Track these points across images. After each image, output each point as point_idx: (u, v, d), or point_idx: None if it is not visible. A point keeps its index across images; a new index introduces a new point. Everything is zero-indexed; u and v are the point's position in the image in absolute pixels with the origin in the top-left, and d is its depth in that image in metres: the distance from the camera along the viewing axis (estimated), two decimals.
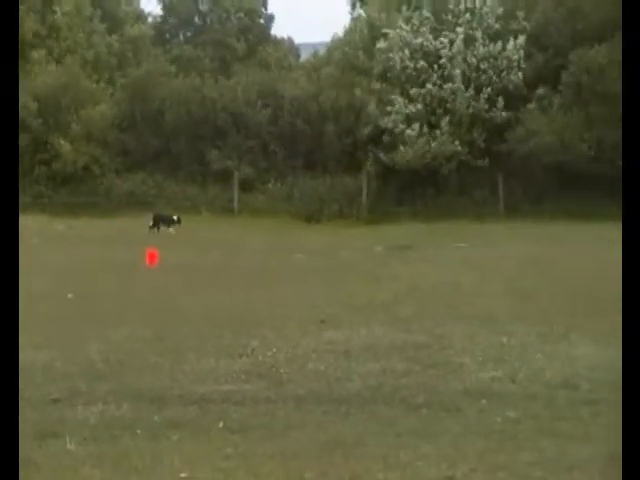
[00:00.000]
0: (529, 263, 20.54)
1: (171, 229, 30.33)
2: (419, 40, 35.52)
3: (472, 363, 10.05)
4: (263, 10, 56.59)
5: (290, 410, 8.28)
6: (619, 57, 32.76)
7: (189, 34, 54.90)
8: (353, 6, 45.72)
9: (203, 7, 54.73)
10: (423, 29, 35.77)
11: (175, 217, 30.90)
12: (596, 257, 21.53)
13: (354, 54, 38.07)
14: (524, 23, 35.37)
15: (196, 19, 55.14)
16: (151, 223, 30.64)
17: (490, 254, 22.57)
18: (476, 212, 32.38)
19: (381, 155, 34.61)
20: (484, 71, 34.75)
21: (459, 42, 34.82)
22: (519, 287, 16.59)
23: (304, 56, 55.30)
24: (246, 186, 36.75)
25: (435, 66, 35.00)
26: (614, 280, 17.35)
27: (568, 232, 27.48)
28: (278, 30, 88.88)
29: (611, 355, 10.39)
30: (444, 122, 34.21)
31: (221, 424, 7.76)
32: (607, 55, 32.79)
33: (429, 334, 11.78)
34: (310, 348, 10.99)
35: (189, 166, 37.73)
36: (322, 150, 37.10)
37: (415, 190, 34.41)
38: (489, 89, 34.53)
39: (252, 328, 12.47)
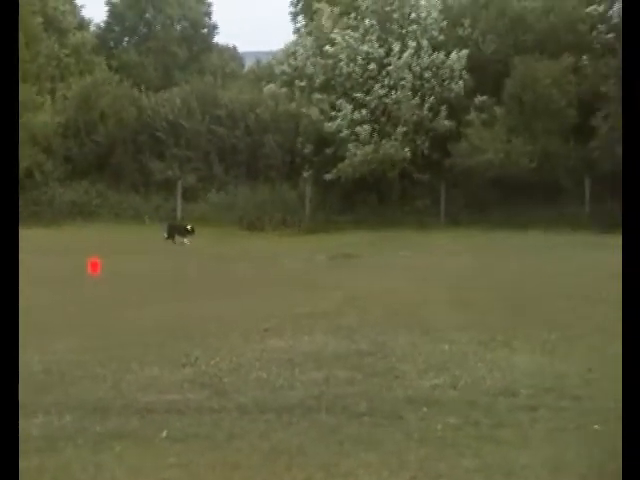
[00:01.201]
0: (471, 271, 20.76)
1: (186, 240, 29.81)
2: (365, 47, 35.74)
3: (414, 371, 10.14)
4: (207, 19, 56.57)
5: (233, 419, 8.29)
6: (560, 67, 33.41)
7: (133, 42, 54.68)
8: (294, 15, 45.88)
9: (148, 15, 54.55)
10: (369, 37, 35.99)
11: (189, 227, 30.45)
12: (534, 264, 21.87)
13: (298, 62, 38.12)
14: (469, 30, 35.69)
15: (141, 27, 54.93)
16: (165, 235, 30.14)
17: (432, 262, 22.76)
18: (418, 221, 32.62)
19: (322, 170, 34.68)
20: (427, 80, 35.06)
21: (405, 52, 35.07)
22: (461, 295, 16.75)
23: (248, 65, 55.35)
24: (189, 195, 36.71)
25: (382, 74, 35.20)
26: (551, 286, 17.69)
27: (508, 241, 27.83)
28: (223, 39, 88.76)
29: (548, 362, 10.59)
30: (389, 129, 34.40)
31: (164, 434, 7.76)
32: (548, 66, 33.27)
33: (372, 342, 11.86)
34: (254, 357, 11.01)
35: (132, 175, 37.56)
36: (265, 159, 37.18)
37: (358, 199, 34.58)
38: (432, 98, 34.83)
39: (196, 337, 12.46)
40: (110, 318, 14.72)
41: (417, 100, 34.74)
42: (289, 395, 9.13)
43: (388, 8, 36.79)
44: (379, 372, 10.12)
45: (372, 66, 35.35)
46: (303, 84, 36.98)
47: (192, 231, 29.95)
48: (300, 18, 45.77)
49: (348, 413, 8.42)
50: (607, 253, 24.07)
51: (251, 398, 9.00)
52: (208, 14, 56.42)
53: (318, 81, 36.56)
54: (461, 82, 34.87)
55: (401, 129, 34.47)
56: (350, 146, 34.13)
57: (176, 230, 30.37)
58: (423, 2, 36.91)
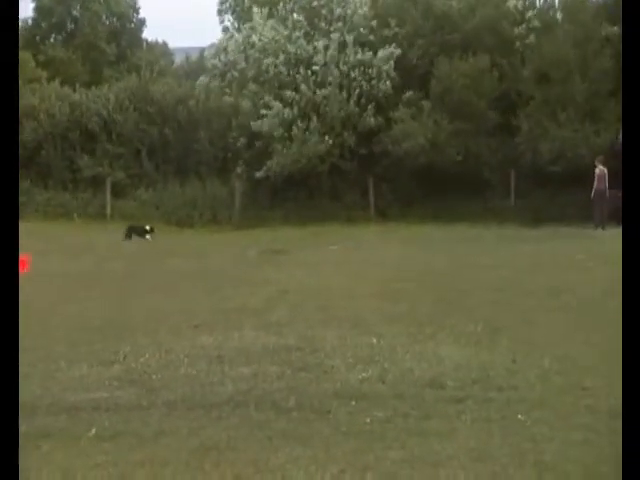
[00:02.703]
0: (399, 264, 20.93)
1: (148, 237, 29.71)
2: (292, 45, 35.74)
3: (342, 365, 10.22)
4: (134, 14, 56.13)
5: (162, 416, 8.29)
6: (477, 68, 33.80)
7: (60, 38, 54.05)
8: (220, 12, 45.74)
9: (75, 11, 53.94)
10: (296, 34, 36.00)
11: (148, 227, 30.32)
12: (461, 257, 22.13)
13: (229, 57, 38.00)
14: (396, 29, 35.83)
15: (68, 23, 54.31)
16: (124, 236, 30.03)
17: (361, 257, 22.91)
18: (348, 215, 32.79)
19: (254, 169, 34.68)
20: (354, 79, 35.16)
21: (332, 49, 35.15)
22: (389, 289, 16.88)
23: (178, 60, 55.05)
24: (118, 192, 36.46)
25: (309, 71, 35.23)
26: (477, 279, 17.93)
27: (435, 234, 28.13)
28: (152, 34, 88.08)
29: (474, 353, 10.75)
30: (316, 125, 34.45)
31: (92, 432, 7.73)
32: (472, 65, 33.65)
33: (301, 337, 11.92)
34: (183, 353, 11.01)
35: (60, 173, 37.17)
36: (194, 155, 37.09)
37: (288, 194, 34.64)
38: (360, 95, 34.95)
39: (124, 334, 12.41)
40: (37, 316, 14.57)
41: (344, 96, 34.83)
42: (218, 391, 9.15)
43: (316, 3, 36.86)
44: (308, 367, 10.18)
45: (299, 64, 35.36)
46: (236, 74, 36.85)
47: (151, 230, 29.97)
48: (228, 16, 45.54)
49: (277, 408, 8.46)
50: (531, 245, 24.57)
51: (180, 394, 9.01)
52: (135, 9, 55.98)
53: (250, 74, 36.48)
54: (389, 82, 35.01)
55: (329, 124, 34.54)
56: (278, 146, 34.12)
57: (134, 231, 30.33)
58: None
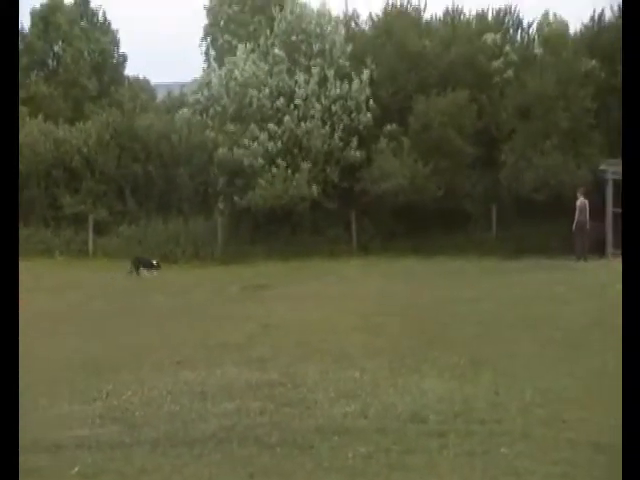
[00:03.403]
0: (381, 298, 20.96)
1: (155, 272, 29.57)
2: (274, 79, 35.92)
3: (325, 400, 10.24)
4: (116, 49, 56.28)
5: (145, 453, 8.29)
6: (462, 102, 34.01)
7: (42, 74, 54.10)
8: (207, 49, 45.98)
9: (56, 48, 54.02)
10: (278, 68, 36.20)
11: (155, 262, 30.24)
12: (443, 290, 22.19)
13: (210, 93, 38.10)
14: (372, 67, 36.02)
15: (50, 59, 54.39)
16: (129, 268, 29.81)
17: (343, 291, 22.91)
18: (330, 250, 32.79)
19: (235, 198, 34.68)
20: (335, 112, 35.30)
21: (312, 83, 35.34)
22: (372, 322, 16.90)
23: (160, 96, 55.14)
24: (101, 229, 36.37)
25: (291, 105, 35.37)
26: (459, 312, 17.96)
27: (417, 267, 28.18)
28: (134, 70, 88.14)
29: (457, 387, 10.78)
30: (300, 161, 34.52)
31: (75, 470, 7.72)
32: (450, 100, 33.83)
33: (283, 372, 11.94)
34: (166, 390, 11.01)
35: (42, 210, 37.10)
36: (176, 192, 37.10)
37: (270, 229, 34.63)
38: (342, 128, 35.09)
39: (107, 372, 12.41)
40: (21, 354, 14.51)
41: (327, 130, 34.96)
42: (201, 427, 9.16)
43: (295, 38, 37.08)
44: (291, 402, 10.20)
45: (281, 98, 35.51)
46: (219, 109, 36.92)
47: (158, 266, 29.85)
48: (210, 50, 45.76)
49: (260, 444, 8.48)
50: (513, 278, 24.64)
51: (163, 432, 9.01)
52: (116, 44, 56.11)
53: (231, 110, 36.55)
54: (369, 114, 35.16)
55: (312, 160, 34.63)
56: (261, 181, 34.15)
57: (142, 263, 30.15)
58: (332, 34, 37.23)
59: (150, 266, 30.07)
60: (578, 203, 29.79)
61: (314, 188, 33.96)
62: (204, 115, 37.59)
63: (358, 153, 34.62)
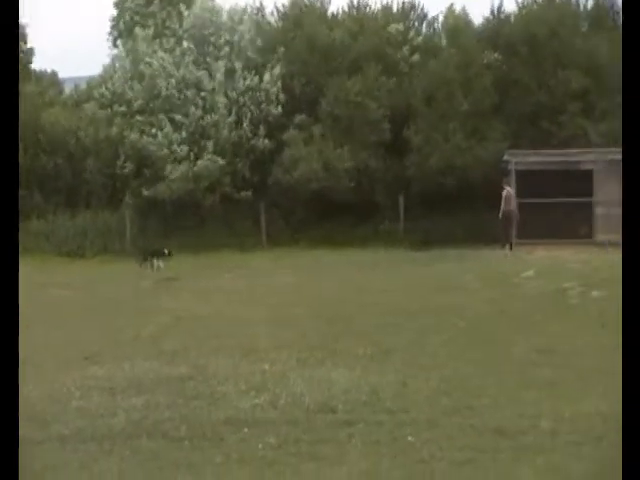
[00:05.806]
0: (290, 291, 21.06)
1: (161, 264, 28.51)
2: (181, 71, 35.72)
3: (235, 392, 10.29)
4: (23, 44, 55.32)
5: (54, 450, 8.25)
6: (370, 86, 34.33)
7: None
8: (114, 39, 45.41)
9: None
10: (186, 60, 35.99)
11: (166, 250, 29.06)
12: (350, 281, 22.41)
13: (116, 87, 37.68)
14: (282, 59, 36.04)
15: None
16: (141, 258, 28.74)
17: (252, 283, 22.95)
18: (240, 243, 32.74)
19: (143, 189, 34.46)
20: (244, 104, 35.27)
21: (219, 75, 35.24)
22: (281, 315, 16.98)
23: (67, 90, 54.34)
24: None
25: (198, 97, 35.23)
26: (367, 303, 18.13)
27: (326, 258, 28.35)
28: (42, 64, 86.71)
29: (364, 377, 10.92)
30: (207, 151, 34.39)
31: None
32: (360, 84, 34.14)
33: (193, 366, 11.95)
34: (74, 386, 10.93)
35: None
36: (84, 186, 36.68)
37: (180, 223, 34.43)
38: (250, 120, 35.06)
39: None
40: None
41: (234, 119, 34.90)
42: (110, 423, 9.13)
43: (205, 32, 36.93)
44: (200, 395, 10.22)
45: (188, 90, 35.35)
46: (123, 109, 36.58)
47: (170, 254, 28.81)
48: (119, 42, 45.11)
49: (169, 438, 8.50)
50: (420, 268, 24.95)
51: (72, 428, 8.96)
52: (23, 38, 55.15)
53: (137, 104, 36.24)
54: (280, 107, 35.20)
55: (220, 150, 34.53)
56: (168, 166, 33.96)
57: (153, 254, 29.08)
58: (241, 26, 37.16)
59: (161, 256, 28.89)
60: (504, 193, 30.23)
61: (222, 173, 33.93)
62: (110, 109, 37.20)
63: (267, 142, 34.67)
